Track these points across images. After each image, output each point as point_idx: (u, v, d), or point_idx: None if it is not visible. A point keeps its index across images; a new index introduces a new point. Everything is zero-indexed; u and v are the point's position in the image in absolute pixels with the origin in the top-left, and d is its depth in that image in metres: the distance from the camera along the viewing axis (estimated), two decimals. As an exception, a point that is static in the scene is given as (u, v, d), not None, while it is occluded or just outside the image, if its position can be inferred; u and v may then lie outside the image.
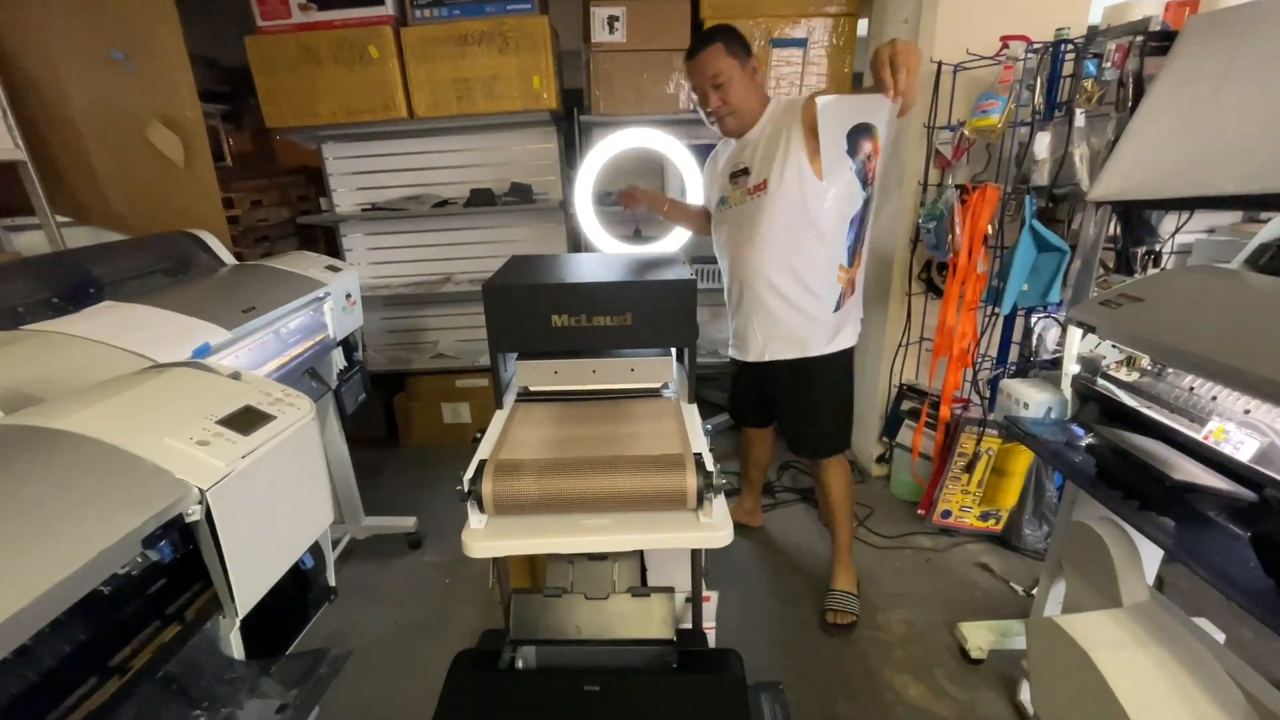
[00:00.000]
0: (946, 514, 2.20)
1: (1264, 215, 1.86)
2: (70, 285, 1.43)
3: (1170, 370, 1.21)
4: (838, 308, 1.69)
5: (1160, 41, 1.60)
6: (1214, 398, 1.12)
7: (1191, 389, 1.16)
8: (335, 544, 2.17)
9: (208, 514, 0.75)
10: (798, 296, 1.67)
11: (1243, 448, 0.99)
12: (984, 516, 2.18)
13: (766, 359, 1.76)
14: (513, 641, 1.35)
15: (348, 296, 1.99)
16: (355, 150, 2.86)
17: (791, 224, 1.62)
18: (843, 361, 1.77)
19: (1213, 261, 1.85)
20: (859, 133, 1.53)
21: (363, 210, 2.87)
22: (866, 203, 1.63)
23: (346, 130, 2.67)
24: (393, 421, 3.07)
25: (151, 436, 0.77)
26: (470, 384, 2.92)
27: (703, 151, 2.56)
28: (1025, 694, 1.58)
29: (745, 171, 1.68)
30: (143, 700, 0.73)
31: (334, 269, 1.96)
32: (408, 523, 2.25)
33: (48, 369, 1.12)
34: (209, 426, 0.82)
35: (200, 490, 0.74)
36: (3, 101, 1.80)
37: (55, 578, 0.58)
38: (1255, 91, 1.36)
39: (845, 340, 1.75)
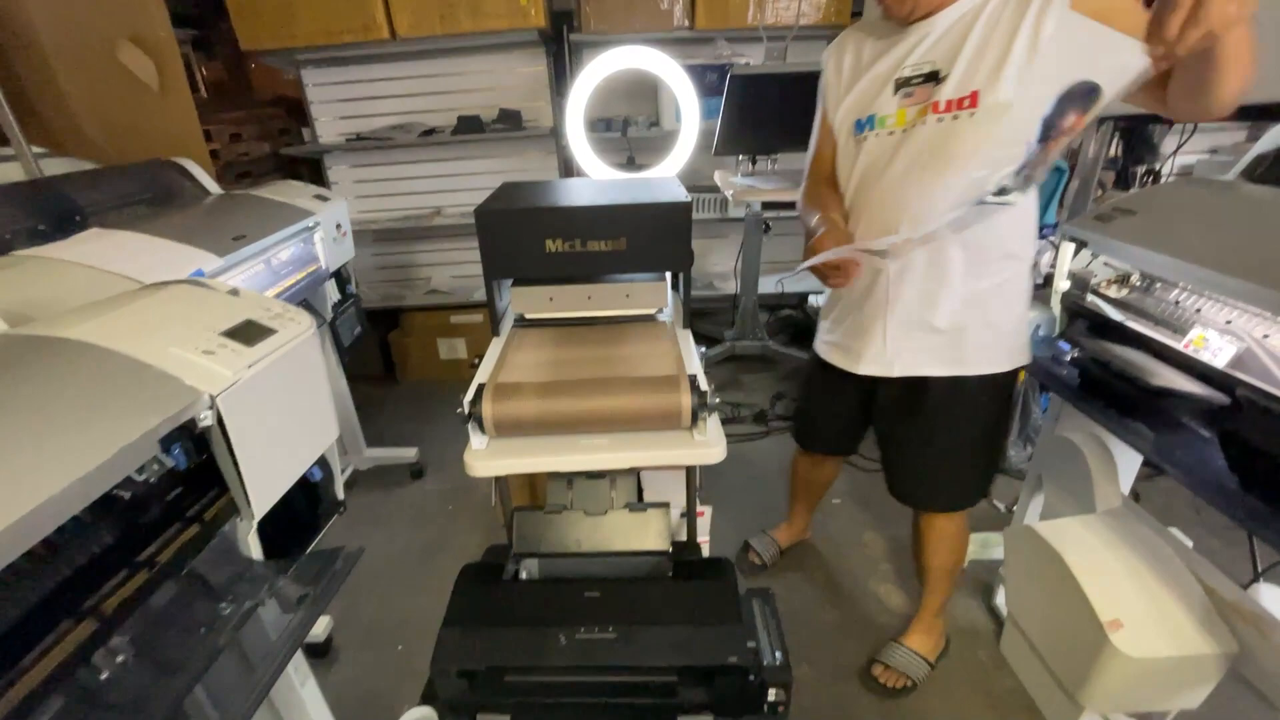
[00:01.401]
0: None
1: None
2: (54, 213, 1.41)
3: (1158, 285, 1.23)
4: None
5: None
6: (1198, 309, 1.14)
7: (1177, 302, 1.19)
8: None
9: (219, 420, 0.77)
10: (983, 287, 1.15)
11: (1220, 354, 1.03)
12: (970, 439, 2.24)
13: (898, 374, 1.25)
14: (516, 555, 1.41)
15: (338, 227, 1.97)
16: (336, 76, 2.76)
17: (1010, 164, 1.02)
18: (1012, 381, 1.27)
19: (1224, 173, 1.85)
20: (1076, 98, 0.94)
21: (347, 140, 2.79)
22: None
23: (326, 54, 2.57)
24: (389, 358, 3.09)
25: (158, 346, 0.78)
26: (465, 319, 2.93)
27: (699, 73, 2.49)
28: (1000, 598, 1.67)
29: (933, 76, 1.06)
30: (171, 593, 0.77)
31: (322, 198, 1.93)
32: (409, 453, 2.30)
33: (40, 293, 1.12)
34: (213, 338, 0.83)
35: (211, 396, 0.76)
36: (-39, 22, 1.71)
37: (80, 471, 0.61)
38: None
39: (1023, 355, 1.25)
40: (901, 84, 1.10)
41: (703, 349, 1.38)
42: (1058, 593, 1.28)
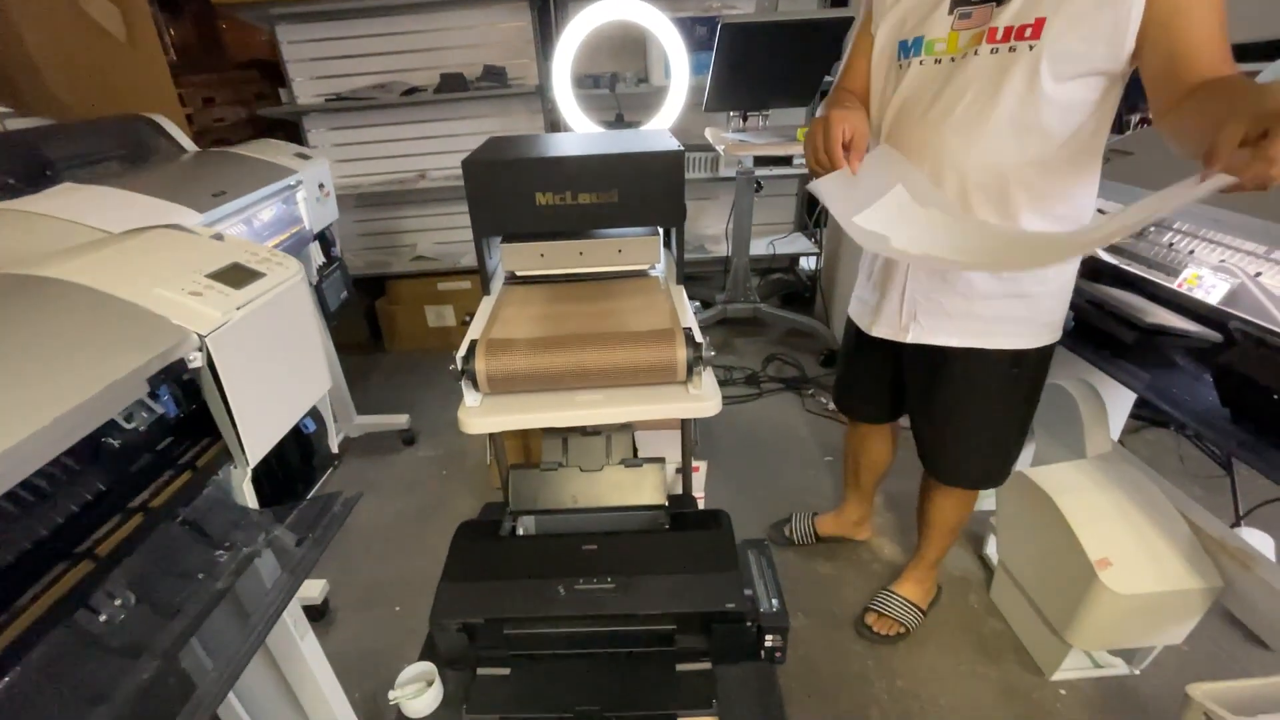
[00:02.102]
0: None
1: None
2: (24, 167, 1.35)
3: (1151, 228, 1.23)
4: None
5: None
6: (1191, 251, 1.15)
7: (1170, 245, 1.19)
8: (330, 440, 2.20)
9: (210, 362, 0.75)
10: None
11: (1214, 291, 1.03)
12: (959, 396, 2.26)
13: (910, 340, 1.16)
14: (512, 512, 1.41)
15: (320, 187, 1.92)
16: (314, 34, 2.66)
17: (1068, 115, 0.92)
18: (1044, 358, 1.15)
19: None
20: None
21: (326, 101, 2.71)
22: None
23: (302, 8, 2.47)
24: (376, 327, 3.04)
25: (142, 286, 0.76)
26: (453, 286, 2.88)
27: (687, 26, 2.43)
28: (990, 548, 1.71)
29: None
30: (165, 539, 0.76)
31: (304, 156, 1.87)
32: (400, 420, 2.29)
33: (13, 244, 1.08)
34: (199, 280, 0.81)
35: (200, 336, 0.73)
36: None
37: (67, 406, 0.59)
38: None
39: (1054, 332, 1.12)
40: (959, 2, 0.94)
41: (695, 304, 1.37)
42: (1048, 536, 1.30)
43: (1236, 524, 1.55)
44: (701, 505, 1.70)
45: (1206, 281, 1.05)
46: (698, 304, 1.33)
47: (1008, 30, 0.89)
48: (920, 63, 0.99)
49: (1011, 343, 1.09)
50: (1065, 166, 0.94)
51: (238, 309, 0.80)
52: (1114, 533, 1.24)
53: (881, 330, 1.20)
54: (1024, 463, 1.63)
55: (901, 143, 1.03)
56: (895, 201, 0.92)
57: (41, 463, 0.58)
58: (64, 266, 0.77)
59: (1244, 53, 1.34)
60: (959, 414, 1.22)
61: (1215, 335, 1.01)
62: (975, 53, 0.92)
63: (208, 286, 0.80)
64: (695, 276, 3.30)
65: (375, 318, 3.03)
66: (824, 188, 0.94)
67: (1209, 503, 1.72)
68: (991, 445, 1.25)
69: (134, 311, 0.73)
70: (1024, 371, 1.14)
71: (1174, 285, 1.09)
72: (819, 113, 1.06)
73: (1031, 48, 0.87)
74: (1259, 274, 1.03)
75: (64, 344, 0.65)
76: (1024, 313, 1.07)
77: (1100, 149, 0.97)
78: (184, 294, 0.77)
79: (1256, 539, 1.41)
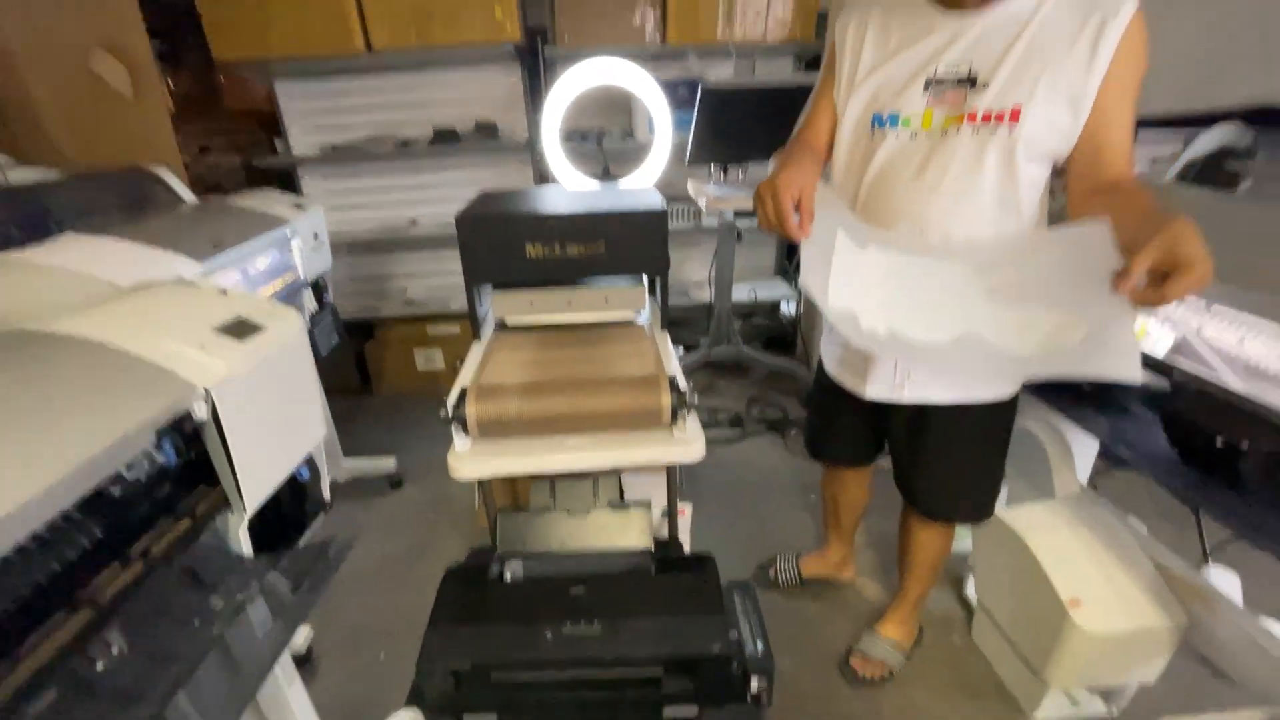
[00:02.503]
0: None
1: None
2: (27, 219, 1.39)
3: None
4: None
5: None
6: (1140, 304, 1.23)
7: (1121, 298, 1.28)
8: (315, 484, 2.20)
9: (214, 413, 0.78)
10: None
11: (1160, 343, 1.11)
12: (937, 438, 2.32)
13: (907, 400, 1.20)
14: (500, 556, 1.43)
15: (315, 235, 1.97)
16: (310, 89, 2.76)
17: (1032, 191, 1.03)
18: (1015, 400, 1.22)
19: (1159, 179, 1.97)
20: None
21: (321, 152, 2.79)
22: None
23: (300, 66, 2.57)
24: (365, 370, 3.06)
25: (151, 341, 0.79)
26: (442, 330, 2.93)
27: (671, 87, 2.57)
28: (970, 588, 1.74)
29: (968, 81, 0.98)
30: (163, 586, 0.78)
31: (299, 206, 1.93)
32: (388, 463, 2.29)
33: (20, 295, 1.11)
34: (206, 333, 0.85)
35: (206, 389, 0.77)
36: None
37: (81, 457, 0.62)
38: (1183, 14, 1.44)
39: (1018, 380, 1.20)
40: (932, 82, 1.00)
41: (679, 348, 1.42)
42: (1022, 576, 1.35)
43: (1204, 561, 1.60)
44: (687, 548, 1.72)
45: (1154, 334, 1.12)
46: (681, 349, 1.39)
47: (987, 114, 0.97)
48: (896, 134, 1.05)
49: (993, 394, 1.17)
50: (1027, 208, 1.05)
51: (242, 362, 0.83)
52: (1084, 573, 1.28)
53: (876, 392, 1.22)
54: (999, 504, 1.68)
55: (881, 206, 1.09)
56: (848, 258, 0.99)
57: (57, 511, 0.60)
58: (79, 322, 0.80)
59: (1180, 122, 1.46)
60: (946, 459, 1.27)
61: (1164, 384, 1.08)
62: (957, 130, 1.00)
63: (214, 340, 0.84)
64: (680, 320, 3.38)
65: (364, 361, 3.05)
66: (811, 284, 0.97)
67: (1180, 540, 1.77)
68: (980, 482, 1.31)
69: (144, 366, 0.76)
70: (1002, 416, 1.22)
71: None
72: (770, 163, 1.13)
73: (1010, 131, 0.96)
74: (1200, 327, 1.11)
75: (79, 397, 0.68)
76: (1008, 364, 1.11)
77: (1044, 221, 1.08)
78: (191, 347, 0.81)
79: (1223, 577, 1.46)
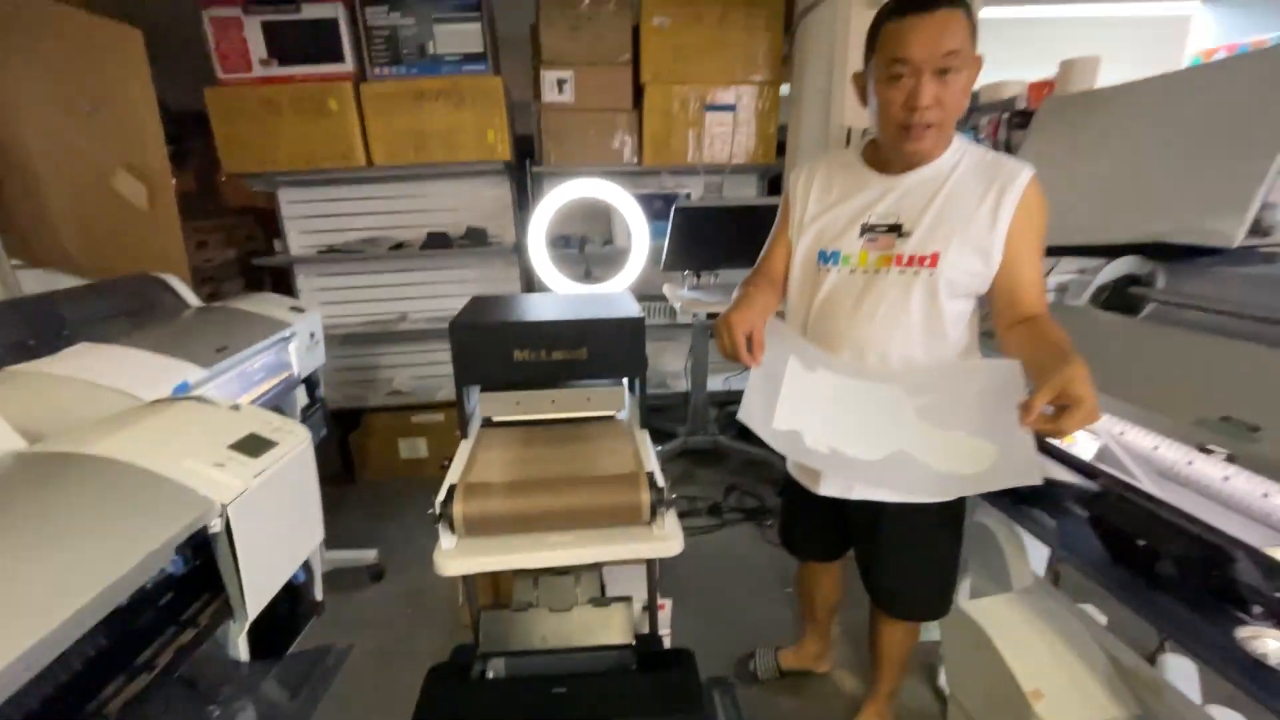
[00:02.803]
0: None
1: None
2: (42, 328, 1.48)
3: (1037, 388, 1.46)
4: None
5: (1022, 118, 1.93)
6: (1070, 410, 1.37)
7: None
8: (294, 580, 2.19)
9: (227, 526, 0.85)
10: None
11: (1087, 449, 1.24)
12: (907, 526, 2.41)
13: (856, 498, 1.30)
14: (483, 654, 1.45)
15: (311, 335, 2.08)
16: (311, 195, 2.95)
17: (958, 321, 1.18)
18: (963, 501, 1.33)
19: (1078, 297, 2.19)
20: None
21: (319, 252, 2.94)
22: None
23: (304, 176, 2.77)
24: (348, 459, 3.09)
25: (173, 460, 0.87)
26: (427, 419, 2.99)
27: (647, 200, 2.81)
28: (943, 679, 1.77)
29: (895, 229, 1.16)
30: (165, 697, 0.82)
31: (298, 310, 2.04)
32: (368, 555, 2.29)
33: (36, 407, 1.18)
34: (221, 451, 0.93)
35: (222, 505, 0.84)
36: (-40, 151, 1.84)
37: (111, 577, 0.68)
38: (1092, 163, 1.68)
39: None
40: (866, 229, 1.18)
41: (659, 447, 1.52)
42: (987, 668, 1.40)
43: (1160, 649, 1.67)
44: (668, 642, 1.74)
45: (1081, 441, 1.26)
46: (659, 447, 1.48)
47: (911, 258, 1.14)
48: (838, 270, 1.22)
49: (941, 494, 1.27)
50: (954, 355, 1.21)
51: (255, 477, 0.91)
52: (1043, 664, 1.34)
53: (827, 490, 1.32)
54: (963, 596, 1.75)
55: (827, 330, 1.24)
56: (797, 382, 1.13)
57: (88, 628, 0.66)
58: (103, 443, 0.88)
59: (1088, 252, 1.68)
60: (900, 555, 1.37)
61: (1093, 485, 1.19)
62: (888, 270, 1.16)
63: (229, 457, 0.92)
64: (659, 408, 3.48)
65: (347, 450, 3.08)
66: (752, 414, 1.14)
67: (1141, 626, 1.85)
68: (932, 581, 1.40)
69: (166, 485, 0.84)
70: (950, 516, 1.32)
71: (1057, 442, 1.30)
72: (735, 293, 1.31)
73: (931, 274, 1.13)
74: (1122, 433, 1.24)
75: (106, 517, 0.76)
76: None
77: (976, 346, 1.25)
78: (209, 465, 0.89)
79: (1178, 664, 1.53)
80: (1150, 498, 1.09)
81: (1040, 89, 2.17)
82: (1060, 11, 3.17)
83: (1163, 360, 1.21)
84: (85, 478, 0.81)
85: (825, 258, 1.23)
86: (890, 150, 1.16)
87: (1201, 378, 1.12)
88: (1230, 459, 0.94)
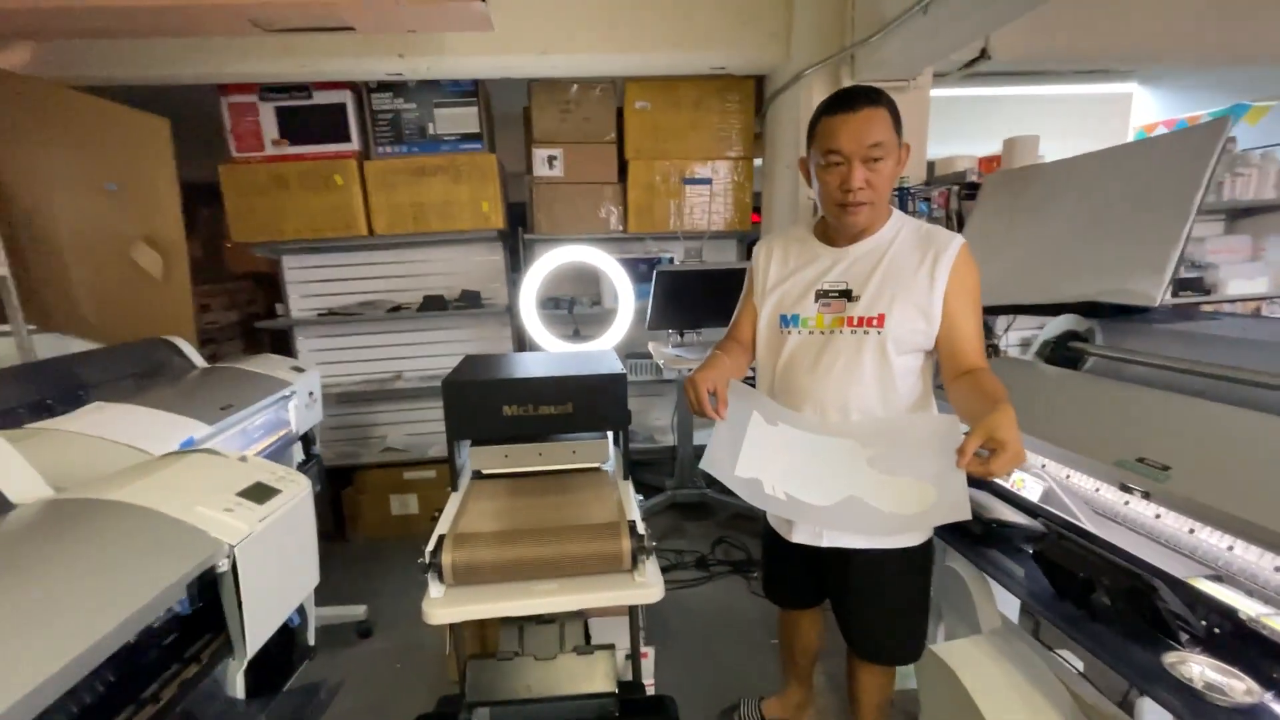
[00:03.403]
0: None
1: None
2: (61, 389, 1.58)
3: (991, 436, 1.57)
4: None
5: (971, 189, 2.12)
6: (1021, 455, 1.47)
7: (1006, 450, 1.53)
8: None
9: (233, 566, 0.93)
10: None
11: (1034, 491, 1.33)
12: (888, 576, 2.45)
13: (826, 545, 1.37)
14: (469, 704, 1.48)
15: (309, 394, 2.17)
16: (313, 261, 3.11)
17: (908, 375, 1.29)
18: (929, 548, 1.42)
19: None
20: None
21: (319, 315, 3.08)
22: None
23: (308, 244, 2.94)
24: (340, 515, 3.12)
25: (186, 505, 0.96)
26: (418, 476, 3.05)
27: (632, 264, 2.99)
28: (923, 727, 1.79)
29: (845, 294, 1.30)
30: (167, 731, 0.88)
31: (298, 369, 2.15)
32: (357, 611, 2.31)
33: (57, 461, 1.26)
34: (230, 498, 1.01)
35: (230, 546, 0.93)
36: (-10, 224, 1.98)
37: (135, 606, 0.76)
38: (1031, 231, 1.86)
39: (924, 531, 1.38)
40: (820, 294, 1.31)
41: (640, 498, 1.59)
42: (958, 708, 1.44)
43: (1130, 691, 1.71)
44: (651, 690, 1.77)
45: (1029, 484, 1.35)
46: (641, 498, 1.55)
47: (861, 319, 1.27)
48: (798, 332, 1.34)
49: (906, 541, 1.35)
50: (907, 407, 1.32)
51: (260, 521, 1.00)
52: (1010, 704, 1.39)
53: (800, 537, 1.40)
54: (937, 638, 1.80)
55: (790, 386, 1.36)
56: (759, 434, 1.25)
57: (109, 654, 0.74)
58: (124, 490, 0.97)
59: (1034, 310, 1.82)
60: (869, 600, 1.43)
61: (1039, 527, 1.28)
62: (841, 331, 1.29)
63: (237, 503, 1.01)
64: (646, 463, 3.55)
65: (339, 507, 3.12)
66: (715, 462, 1.26)
67: (1109, 672, 1.88)
68: (902, 625, 1.46)
69: (180, 527, 0.92)
70: (916, 562, 1.39)
71: (1008, 485, 1.40)
72: (708, 351, 1.45)
73: (879, 333, 1.26)
74: (1069, 476, 1.34)
75: (127, 556, 0.84)
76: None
77: (929, 395, 1.36)
78: (219, 510, 0.98)
79: (1152, 707, 1.57)
80: (1089, 535, 1.18)
81: (990, 163, 2.39)
82: (1013, 91, 3.46)
83: (1095, 409, 1.33)
84: (108, 521, 0.89)
85: (786, 321, 1.36)
86: (835, 225, 1.31)
87: (1128, 424, 1.23)
88: (1145, 496, 1.03)
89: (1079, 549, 1.15)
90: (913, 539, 1.36)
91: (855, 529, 1.30)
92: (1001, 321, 2.23)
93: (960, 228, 2.12)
